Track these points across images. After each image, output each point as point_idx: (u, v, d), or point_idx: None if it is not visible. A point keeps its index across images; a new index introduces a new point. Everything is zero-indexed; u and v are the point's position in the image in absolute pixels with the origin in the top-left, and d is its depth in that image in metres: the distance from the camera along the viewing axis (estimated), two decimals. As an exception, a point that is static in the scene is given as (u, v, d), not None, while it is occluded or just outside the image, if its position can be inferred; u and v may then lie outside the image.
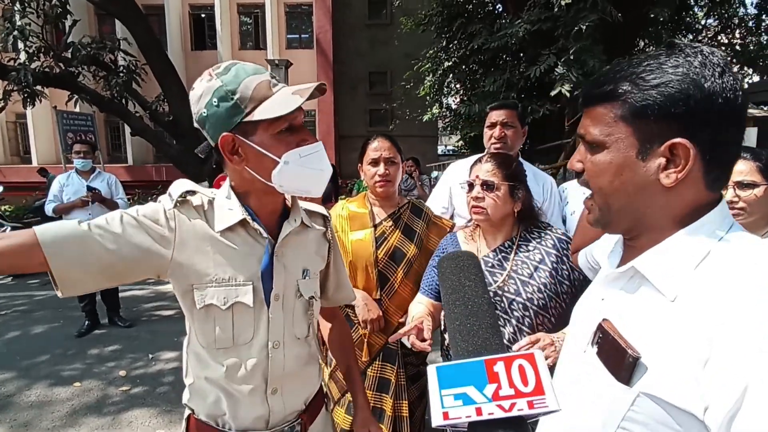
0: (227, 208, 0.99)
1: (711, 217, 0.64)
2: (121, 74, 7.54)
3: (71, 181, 4.15)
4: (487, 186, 1.44)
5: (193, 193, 0.99)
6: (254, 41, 14.97)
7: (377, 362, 1.73)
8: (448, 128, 10.29)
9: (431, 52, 8.77)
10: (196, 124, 0.96)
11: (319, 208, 1.19)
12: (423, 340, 1.28)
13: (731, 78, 0.60)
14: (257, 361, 1.00)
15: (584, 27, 5.10)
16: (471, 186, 1.48)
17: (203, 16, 14.61)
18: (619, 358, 0.63)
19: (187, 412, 1.08)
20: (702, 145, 0.60)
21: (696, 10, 8.50)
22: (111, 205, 4.13)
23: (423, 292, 1.61)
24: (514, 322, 1.40)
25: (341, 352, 1.35)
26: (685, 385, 0.56)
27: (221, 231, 0.97)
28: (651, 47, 8.52)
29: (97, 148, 7.73)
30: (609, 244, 0.94)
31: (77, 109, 8.46)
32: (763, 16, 8.31)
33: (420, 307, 1.55)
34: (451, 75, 8.38)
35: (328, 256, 1.19)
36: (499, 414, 0.49)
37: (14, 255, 0.81)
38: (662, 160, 0.62)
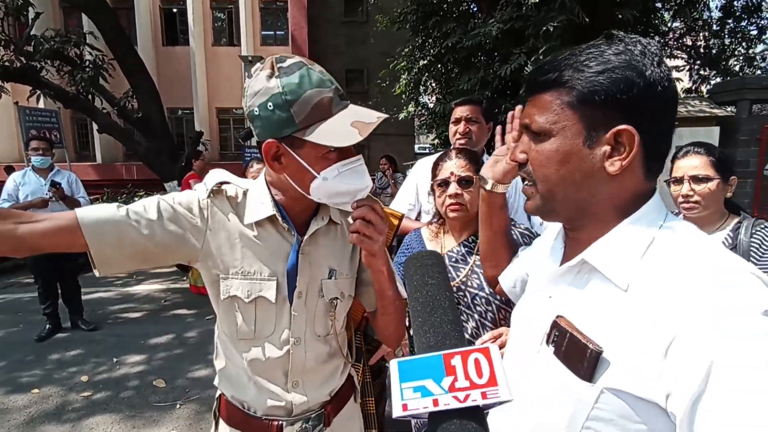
0: (260, 201, 0.99)
1: (650, 206, 0.65)
2: (87, 69, 7.28)
3: (28, 180, 3.97)
4: (465, 182, 1.41)
5: (227, 183, 1.00)
6: (228, 37, 14.67)
7: None
8: (425, 126, 10.31)
9: (406, 50, 8.76)
10: (245, 113, 0.93)
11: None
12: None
13: (666, 68, 0.61)
14: (278, 356, 1.01)
15: (552, 27, 5.16)
16: (446, 183, 1.45)
17: (174, 11, 14.23)
18: (580, 355, 0.61)
19: (218, 392, 1.12)
20: (644, 133, 0.61)
21: (663, 12, 8.72)
22: (72, 203, 3.98)
23: None
24: (476, 316, 1.39)
25: None
26: (647, 375, 0.56)
27: (250, 224, 0.98)
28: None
29: (63, 145, 7.47)
30: (533, 254, 0.93)
31: (41, 105, 8.14)
32: (728, 20, 8.60)
33: None
34: (426, 73, 8.38)
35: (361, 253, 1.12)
36: (455, 405, 0.52)
37: (57, 236, 0.85)
38: (607, 148, 0.62)
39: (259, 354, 1.00)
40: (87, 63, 7.43)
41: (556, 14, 5.28)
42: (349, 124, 0.87)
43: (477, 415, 0.52)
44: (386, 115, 0.91)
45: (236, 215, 0.99)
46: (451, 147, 2.05)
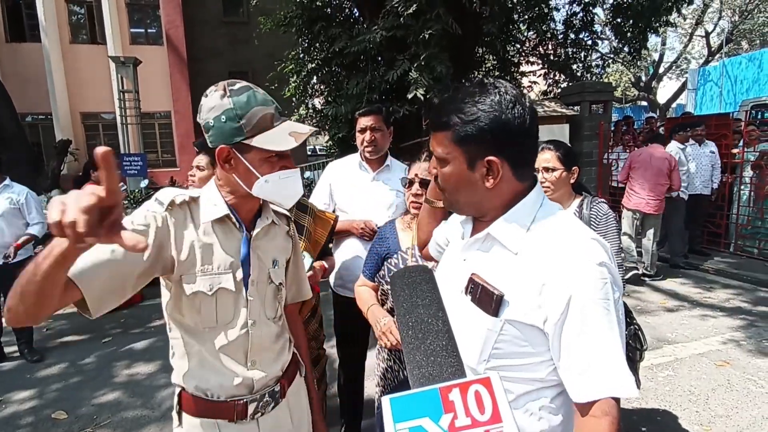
0: (212, 203, 1.15)
1: (530, 197, 0.93)
2: None
3: None
4: (424, 183, 1.59)
5: (179, 196, 1.14)
6: (89, 34, 13.21)
7: None
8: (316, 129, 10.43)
9: (293, 53, 8.82)
10: (201, 123, 1.10)
11: (284, 210, 1.35)
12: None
13: (520, 107, 0.87)
14: (237, 338, 1.16)
15: (428, 35, 5.70)
16: (411, 183, 1.64)
17: (20, 2, 12.44)
18: (488, 299, 0.88)
19: (177, 389, 1.21)
20: (507, 156, 0.88)
21: (519, 23, 9.96)
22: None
23: (366, 275, 1.79)
24: None
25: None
26: (531, 308, 0.85)
27: (206, 223, 1.13)
28: (487, 55, 9.79)
29: None
30: (451, 226, 1.20)
31: None
32: (569, 32, 10.11)
33: (368, 292, 1.76)
34: (315, 77, 8.53)
35: (291, 251, 1.36)
36: None
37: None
38: (483, 170, 0.89)
39: (222, 338, 1.15)
40: None
41: (433, 24, 5.83)
42: (287, 134, 1.08)
43: None
44: (316, 129, 1.15)
45: (192, 219, 1.14)
46: (359, 153, 2.31)
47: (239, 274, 1.15)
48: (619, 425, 0.81)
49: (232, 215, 1.16)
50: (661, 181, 5.13)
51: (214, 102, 1.07)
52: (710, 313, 4.42)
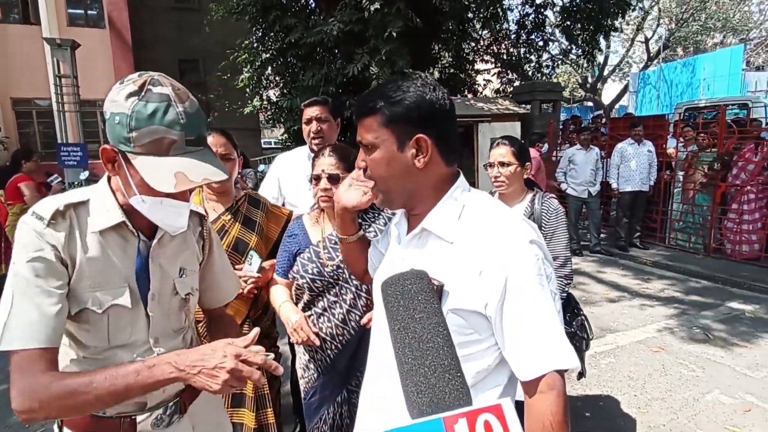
0: (105, 208, 0.98)
1: (458, 184, 0.96)
2: None
3: None
4: (332, 178, 1.60)
5: (61, 206, 0.94)
6: (21, 13, 12.21)
7: None
8: (271, 121, 10.20)
9: (247, 42, 8.56)
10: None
11: (197, 207, 1.21)
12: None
13: (440, 92, 0.93)
14: (136, 358, 1.01)
15: (395, 33, 5.66)
16: (318, 178, 1.63)
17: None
18: None
19: None
20: (434, 136, 0.91)
21: (475, 22, 10.16)
22: None
23: (278, 273, 1.76)
24: (353, 289, 1.64)
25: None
26: (471, 294, 0.86)
27: (95, 232, 0.96)
28: (443, 52, 9.93)
29: None
30: (386, 237, 1.18)
31: None
32: (521, 32, 10.43)
33: (281, 290, 1.75)
34: (269, 67, 8.33)
35: (202, 253, 1.21)
36: None
37: None
38: (413, 150, 0.91)
39: (118, 359, 0.99)
40: None
41: (393, 18, 5.80)
42: (172, 173, 0.90)
43: None
44: (213, 180, 0.96)
45: (78, 228, 0.95)
46: (307, 145, 2.26)
47: (135, 289, 1.01)
48: (566, 397, 0.85)
49: (127, 222, 0.99)
50: (540, 177, 6.02)
51: (119, 97, 0.90)
52: (648, 303, 4.72)
